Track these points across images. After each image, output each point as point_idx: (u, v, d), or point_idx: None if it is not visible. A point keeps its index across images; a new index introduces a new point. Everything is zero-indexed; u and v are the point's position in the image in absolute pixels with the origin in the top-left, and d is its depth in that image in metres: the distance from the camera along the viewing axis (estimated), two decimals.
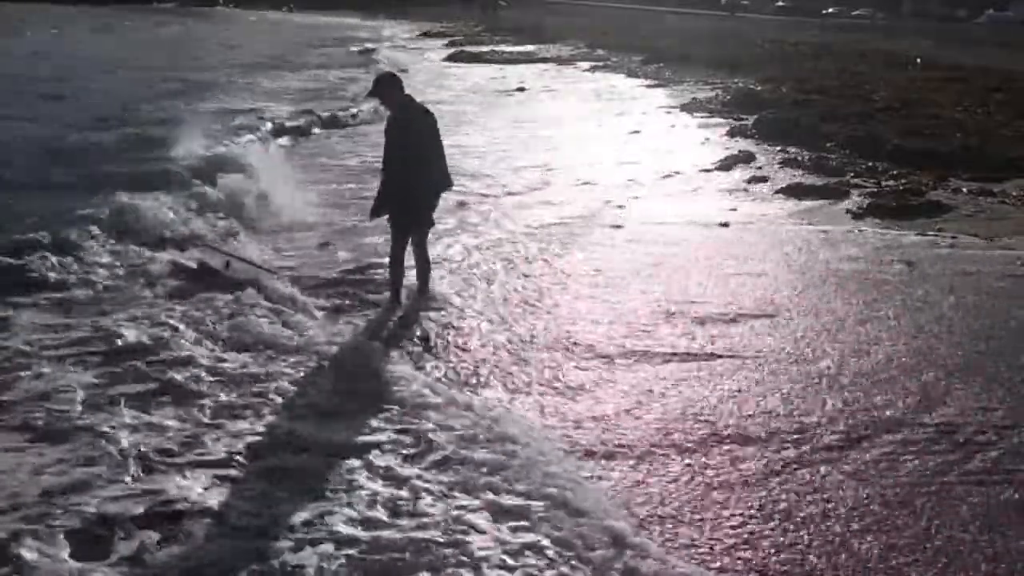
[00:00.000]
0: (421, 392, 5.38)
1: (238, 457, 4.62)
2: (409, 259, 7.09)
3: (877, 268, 7.88)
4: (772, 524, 4.10)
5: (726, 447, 4.79)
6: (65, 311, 6.68)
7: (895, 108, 16.74)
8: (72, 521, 4.00)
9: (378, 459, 4.62)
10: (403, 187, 6.82)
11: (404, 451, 4.72)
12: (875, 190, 10.97)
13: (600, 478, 4.49)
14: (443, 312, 6.81)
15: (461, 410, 5.14)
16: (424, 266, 7.18)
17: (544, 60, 31.01)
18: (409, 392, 5.39)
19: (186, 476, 4.41)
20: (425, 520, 4.09)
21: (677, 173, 12.12)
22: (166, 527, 3.99)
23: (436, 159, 6.87)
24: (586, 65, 28.97)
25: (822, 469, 4.56)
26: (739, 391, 5.45)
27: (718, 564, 3.83)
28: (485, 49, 35.07)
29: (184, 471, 4.46)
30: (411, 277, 7.19)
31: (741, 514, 4.17)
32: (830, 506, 4.24)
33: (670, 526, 4.09)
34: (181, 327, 6.33)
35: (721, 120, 16.60)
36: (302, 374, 5.70)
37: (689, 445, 4.81)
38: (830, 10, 65.55)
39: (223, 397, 5.31)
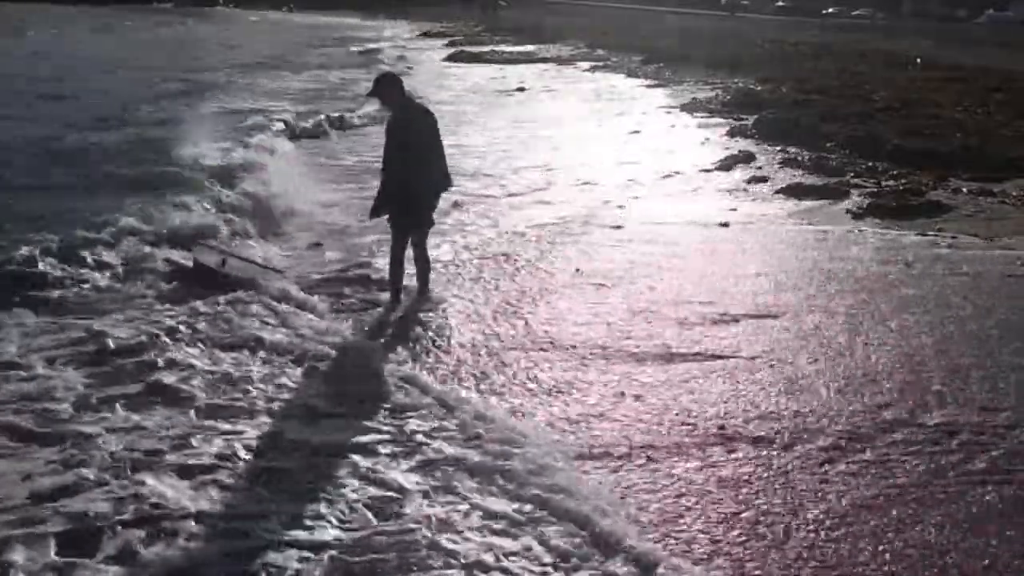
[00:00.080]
0: (418, 393, 5.37)
1: (227, 459, 4.59)
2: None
3: (877, 268, 7.87)
4: (773, 524, 4.09)
5: (726, 447, 4.77)
6: (58, 311, 6.66)
7: (895, 108, 16.74)
8: (60, 522, 3.99)
9: (368, 461, 4.59)
10: (403, 187, 6.82)
11: (396, 452, 4.69)
12: (875, 190, 10.96)
13: (599, 479, 4.47)
14: (442, 312, 6.81)
15: (458, 411, 5.11)
16: (424, 266, 7.18)
17: (544, 60, 31.03)
18: (405, 393, 5.37)
19: (175, 478, 4.39)
20: (411, 524, 4.06)
21: (677, 173, 12.12)
22: (153, 528, 3.98)
23: (436, 159, 6.87)
24: (586, 65, 28.98)
25: (822, 470, 4.55)
26: (739, 391, 5.44)
27: (718, 564, 3.83)
28: (485, 49, 35.09)
29: (173, 473, 4.44)
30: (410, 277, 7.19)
31: (741, 515, 4.16)
32: (830, 507, 4.23)
33: (670, 526, 4.08)
34: (174, 327, 6.30)
35: (721, 120, 16.60)
36: (297, 375, 5.68)
37: (689, 446, 4.79)
38: (830, 10, 65.60)
39: (214, 399, 5.28)
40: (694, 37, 36.76)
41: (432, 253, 7.45)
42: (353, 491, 4.32)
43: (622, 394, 5.41)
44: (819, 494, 4.34)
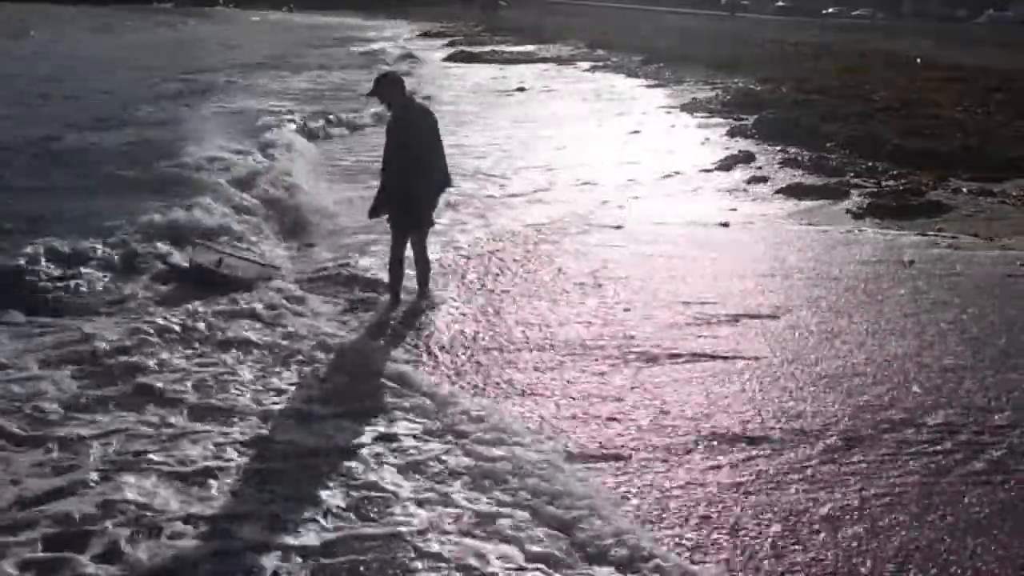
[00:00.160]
0: (412, 394, 5.37)
1: (217, 461, 4.59)
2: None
3: (877, 268, 7.87)
4: (773, 525, 4.09)
5: (726, 448, 4.78)
6: (52, 312, 6.62)
7: (895, 108, 16.74)
8: (48, 524, 3.99)
9: (358, 462, 4.59)
10: (403, 187, 6.81)
11: (386, 454, 4.68)
12: (875, 190, 10.96)
13: (598, 480, 4.46)
14: (441, 312, 6.81)
15: (453, 413, 5.11)
16: (424, 266, 7.18)
17: (544, 60, 31.03)
18: (400, 394, 5.38)
19: (164, 479, 4.39)
20: (398, 527, 4.05)
21: (677, 173, 12.12)
22: (140, 529, 3.99)
23: (436, 159, 6.87)
24: (586, 65, 28.98)
25: (823, 470, 4.56)
26: (739, 391, 5.44)
27: (717, 564, 3.83)
28: (485, 49, 35.09)
29: (162, 475, 4.43)
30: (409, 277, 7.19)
31: (741, 515, 4.16)
32: (831, 507, 4.23)
33: (668, 527, 4.08)
34: (168, 328, 6.31)
35: (721, 120, 16.60)
36: (292, 376, 5.68)
37: (689, 446, 4.79)
38: (830, 10, 65.62)
39: (206, 400, 5.27)
40: (694, 37, 36.77)
41: (431, 253, 7.45)
42: (341, 493, 4.32)
43: (621, 394, 5.42)
44: (819, 494, 4.34)
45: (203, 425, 4.98)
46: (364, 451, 4.72)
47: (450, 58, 32.17)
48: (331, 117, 16.98)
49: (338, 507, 4.20)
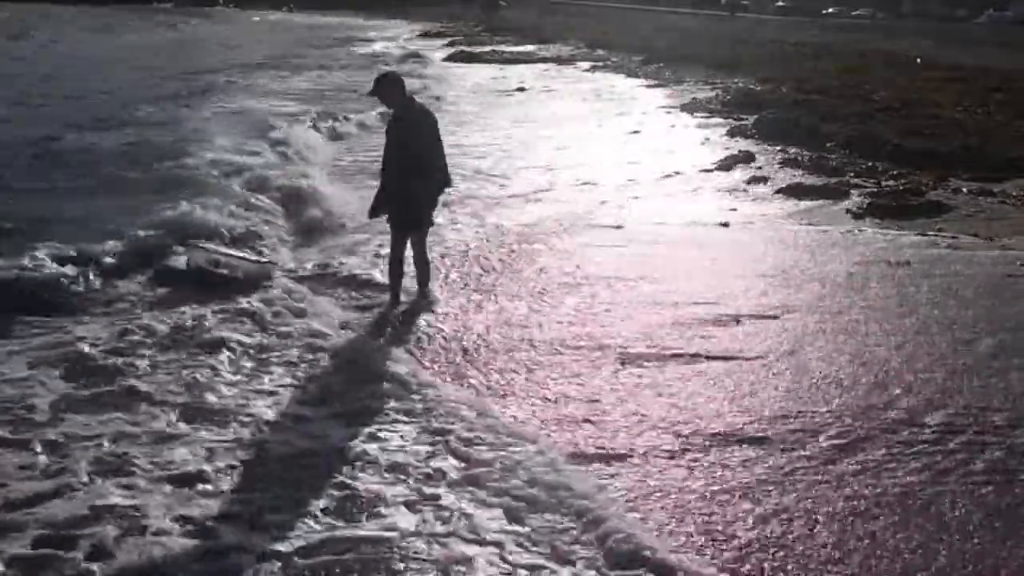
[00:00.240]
0: (409, 395, 5.36)
1: (206, 463, 4.57)
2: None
3: (877, 268, 7.87)
4: (772, 525, 4.09)
5: (726, 448, 4.77)
6: (46, 314, 6.59)
7: (895, 108, 16.74)
8: (35, 527, 3.99)
9: (349, 464, 4.58)
10: (403, 187, 6.81)
11: (379, 455, 4.67)
12: (875, 190, 10.96)
13: (597, 480, 4.46)
14: (441, 312, 6.81)
15: (451, 414, 5.10)
16: (423, 267, 7.17)
17: (544, 60, 31.03)
18: (397, 395, 5.37)
19: (152, 482, 4.38)
20: (387, 532, 4.04)
21: (677, 173, 12.12)
22: (126, 530, 3.98)
23: (436, 159, 6.87)
24: (586, 65, 28.99)
25: (824, 470, 4.55)
26: (740, 392, 5.44)
27: (717, 564, 3.83)
28: (485, 49, 35.11)
29: (149, 477, 4.43)
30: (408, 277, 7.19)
31: (742, 515, 4.16)
32: (832, 507, 4.23)
33: (669, 527, 4.08)
34: (162, 329, 6.30)
35: (721, 120, 16.60)
36: (287, 376, 5.66)
37: (688, 446, 4.79)
38: (830, 10, 65.62)
39: (199, 401, 5.26)
40: (694, 37, 36.77)
41: (430, 253, 7.45)
42: (330, 495, 4.30)
43: (620, 394, 5.41)
44: (820, 494, 4.34)
45: (193, 427, 4.96)
46: (356, 453, 4.70)
47: (450, 58, 32.20)
48: (331, 117, 16.95)
49: (326, 509, 4.19)
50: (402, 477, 4.48)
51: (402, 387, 5.47)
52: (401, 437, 4.88)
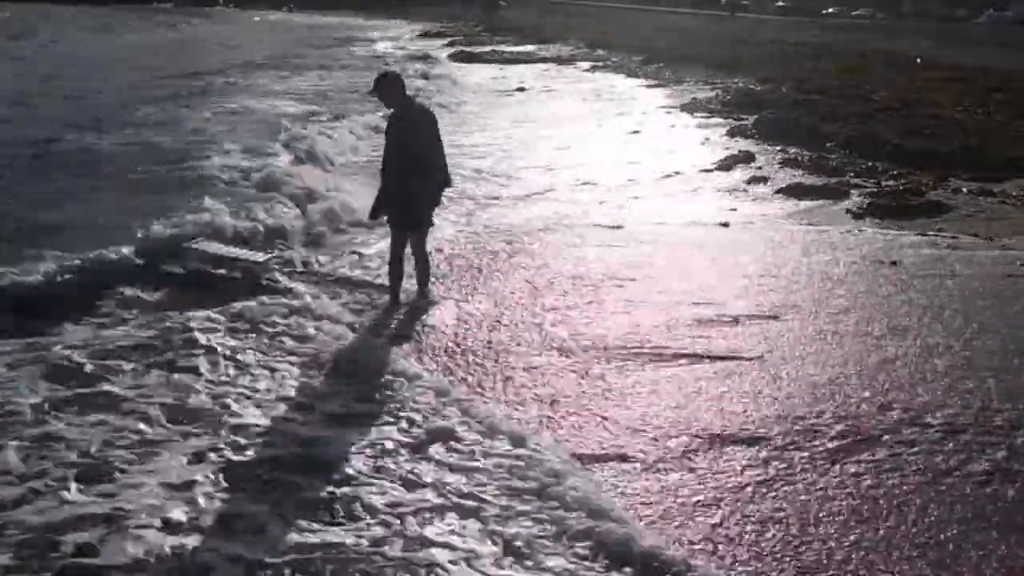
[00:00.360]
0: (408, 395, 5.35)
1: (199, 465, 4.56)
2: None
3: (877, 268, 7.87)
4: (772, 526, 4.10)
5: (727, 448, 4.77)
6: (40, 316, 6.54)
7: (895, 108, 16.74)
8: (19, 531, 3.98)
9: (349, 466, 4.57)
10: (403, 187, 6.80)
11: (377, 456, 4.67)
12: (875, 190, 10.96)
13: (596, 480, 4.47)
14: (441, 313, 6.81)
15: (451, 415, 5.10)
16: (423, 266, 7.16)
17: (544, 60, 31.01)
18: (394, 395, 5.36)
19: (142, 482, 4.37)
20: (382, 530, 4.03)
21: (677, 173, 12.12)
22: (113, 531, 3.98)
23: (436, 159, 6.86)
24: (586, 65, 28.98)
25: (824, 470, 4.56)
26: (740, 392, 5.44)
27: (718, 564, 3.83)
28: (485, 49, 35.08)
29: (141, 478, 4.42)
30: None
31: (743, 515, 4.17)
32: (832, 507, 4.23)
33: (670, 527, 4.08)
34: (159, 331, 6.29)
35: (721, 120, 16.60)
36: (287, 377, 5.66)
37: (688, 447, 4.79)
38: (830, 10, 65.61)
39: (191, 404, 5.24)
40: (694, 37, 36.77)
41: (431, 253, 7.45)
42: (324, 497, 4.29)
43: (622, 395, 5.41)
44: (821, 494, 4.34)
45: (184, 429, 4.93)
46: (351, 454, 4.69)
47: (450, 58, 32.17)
48: (335, 116, 16.93)
49: (316, 512, 4.16)
50: (398, 478, 4.47)
51: (401, 387, 5.46)
52: (400, 437, 4.87)
